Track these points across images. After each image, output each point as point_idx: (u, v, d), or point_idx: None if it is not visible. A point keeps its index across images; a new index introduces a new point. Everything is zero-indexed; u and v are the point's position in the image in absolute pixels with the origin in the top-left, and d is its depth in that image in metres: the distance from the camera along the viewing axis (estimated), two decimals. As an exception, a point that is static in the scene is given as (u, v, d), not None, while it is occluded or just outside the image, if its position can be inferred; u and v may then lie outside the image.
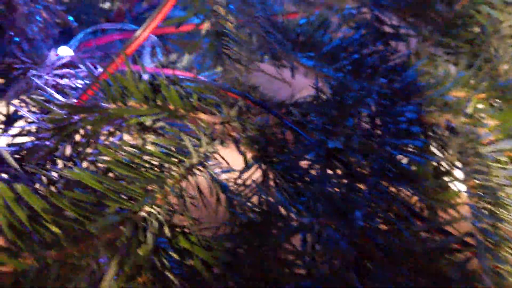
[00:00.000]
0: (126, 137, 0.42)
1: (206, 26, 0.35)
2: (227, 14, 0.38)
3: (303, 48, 0.53)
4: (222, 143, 0.38)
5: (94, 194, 0.28)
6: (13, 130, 0.58)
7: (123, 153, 0.31)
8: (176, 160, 0.35)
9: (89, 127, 0.36)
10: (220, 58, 0.36)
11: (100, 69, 0.48)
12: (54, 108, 0.37)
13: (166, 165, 0.34)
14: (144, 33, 0.40)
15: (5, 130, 0.57)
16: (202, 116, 0.41)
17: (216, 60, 0.35)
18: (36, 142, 0.37)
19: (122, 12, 0.71)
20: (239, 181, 0.39)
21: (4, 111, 0.60)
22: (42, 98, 0.43)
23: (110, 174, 0.30)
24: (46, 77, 0.45)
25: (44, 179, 0.35)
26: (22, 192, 0.24)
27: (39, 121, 0.39)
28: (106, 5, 0.93)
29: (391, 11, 0.63)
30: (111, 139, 0.41)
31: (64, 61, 0.42)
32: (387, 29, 0.62)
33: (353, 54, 0.46)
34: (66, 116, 0.36)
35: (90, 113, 0.36)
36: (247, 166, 0.38)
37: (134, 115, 0.38)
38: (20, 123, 0.57)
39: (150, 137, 0.38)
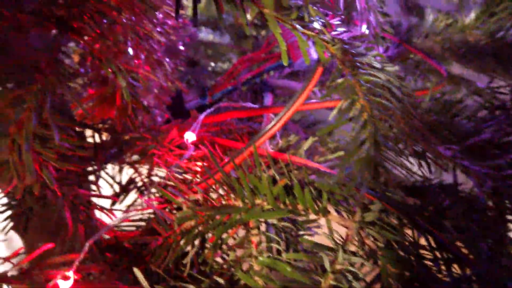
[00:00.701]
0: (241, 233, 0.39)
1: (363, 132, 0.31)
2: (372, 110, 0.34)
3: (438, 134, 0.47)
4: (362, 258, 0.33)
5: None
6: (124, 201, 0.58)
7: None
8: (312, 281, 0.31)
9: (214, 231, 0.34)
10: (377, 170, 0.31)
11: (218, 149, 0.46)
12: (183, 204, 0.35)
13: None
14: (275, 127, 0.38)
15: (116, 196, 0.57)
16: (332, 219, 0.37)
17: (373, 172, 0.31)
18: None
19: (229, 78, 0.70)
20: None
21: (114, 173, 0.61)
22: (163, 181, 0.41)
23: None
24: (167, 157, 0.44)
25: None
26: None
27: (161, 213, 0.37)
28: (209, 66, 0.94)
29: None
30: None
31: (192, 150, 0.40)
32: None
33: (509, 152, 0.40)
34: (195, 215, 0.34)
35: (220, 214, 0.33)
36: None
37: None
38: (133, 194, 0.57)
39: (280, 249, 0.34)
